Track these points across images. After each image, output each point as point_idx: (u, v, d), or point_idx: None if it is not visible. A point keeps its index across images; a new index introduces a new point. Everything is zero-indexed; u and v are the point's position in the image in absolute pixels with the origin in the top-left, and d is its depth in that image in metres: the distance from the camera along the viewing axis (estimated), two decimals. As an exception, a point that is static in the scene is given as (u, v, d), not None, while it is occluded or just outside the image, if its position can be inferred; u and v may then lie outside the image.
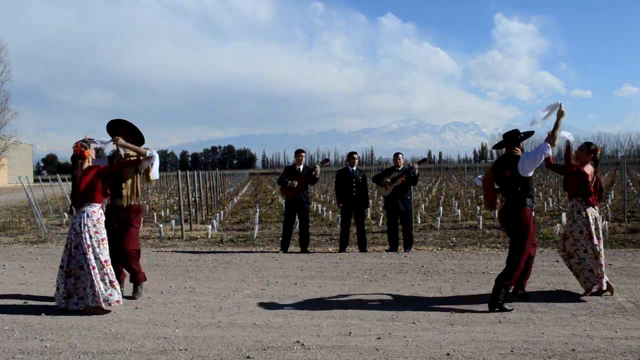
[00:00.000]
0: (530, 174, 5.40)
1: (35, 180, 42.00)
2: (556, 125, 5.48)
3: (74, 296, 5.46)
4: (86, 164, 5.58)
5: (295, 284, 6.77)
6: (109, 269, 5.42)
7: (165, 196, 27.66)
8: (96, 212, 5.51)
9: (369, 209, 12.95)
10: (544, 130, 5.70)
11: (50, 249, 10.23)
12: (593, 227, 5.78)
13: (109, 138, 5.84)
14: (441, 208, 16.46)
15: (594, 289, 5.82)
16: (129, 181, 6.01)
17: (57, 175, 20.68)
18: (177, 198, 18.72)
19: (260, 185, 40.48)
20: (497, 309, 5.26)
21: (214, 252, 9.52)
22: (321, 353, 4.23)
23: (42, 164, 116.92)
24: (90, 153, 5.65)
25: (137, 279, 6.08)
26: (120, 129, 6.04)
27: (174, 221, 13.41)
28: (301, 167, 9.52)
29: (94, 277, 5.29)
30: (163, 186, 38.13)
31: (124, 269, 6.10)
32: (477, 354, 4.15)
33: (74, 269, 5.42)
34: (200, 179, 18.03)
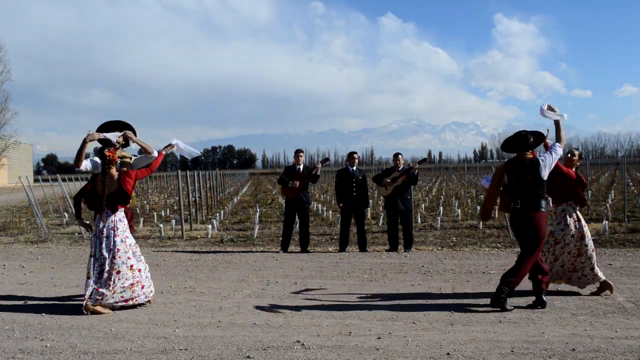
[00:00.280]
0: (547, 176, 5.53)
1: (35, 180, 42.01)
2: (559, 128, 5.71)
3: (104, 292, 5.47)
4: (114, 169, 5.59)
5: (296, 283, 6.77)
6: (136, 273, 5.51)
7: (165, 196, 27.66)
8: (124, 217, 5.63)
9: (369, 209, 12.94)
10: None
11: (50, 249, 10.23)
12: (586, 229, 5.96)
13: (119, 134, 5.88)
14: (441, 208, 16.46)
15: (594, 287, 5.88)
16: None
17: (57, 175, 20.69)
18: (177, 198, 18.72)
19: (260, 185, 40.48)
20: (498, 308, 5.26)
21: (214, 252, 9.52)
22: (321, 353, 4.23)
23: (42, 164, 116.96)
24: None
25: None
26: (116, 129, 6.06)
27: (174, 221, 13.42)
28: (301, 166, 9.52)
29: (118, 280, 5.40)
30: (163, 186, 38.16)
31: None
32: (477, 354, 4.15)
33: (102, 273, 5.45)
34: (200, 179, 18.04)
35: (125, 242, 5.52)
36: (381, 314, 5.28)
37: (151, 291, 5.69)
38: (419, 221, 13.72)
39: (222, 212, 17.09)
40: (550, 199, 6.54)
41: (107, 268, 5.40)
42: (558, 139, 5.72)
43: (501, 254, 8.74)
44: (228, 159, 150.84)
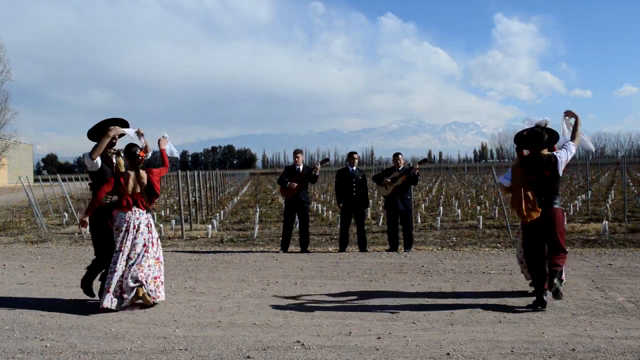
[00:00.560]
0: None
1: (35, 180, 42.03)
2: (576, 127, 5.78)
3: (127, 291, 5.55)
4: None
5: (295, 283, 6.77)
6: (161, 267, 5.80)
7: (165, 196, 27.66)
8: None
9: (369, 208, 12.95)
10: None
11: (50, 249, 10.23)
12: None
13: (133, 130, 6.03)
14: (441, 208, 16.47)
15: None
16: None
17: (58, 175, 20.69)
18: (177, 198, 18.72)
19: (260, 185, 40.48)
20: (556, 290, 5.27)
21: (214, 252, 9.52)
22: (321, 353, 4.23)
23: (42, 164, 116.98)
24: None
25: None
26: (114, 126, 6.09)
27: (174, 221, 13.42)
28: (301, 166, 9.52)
29: (150, 271, 5.63)
30: (163, 186, 38.17)
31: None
32: (477, 354, 4.15)
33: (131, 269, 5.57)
34: (200, 179, 18.04)
35: (155, 236, 5.87)
36: (381, 314, 5.29)
37: (163, 289, 5.87)
38: (419, 221, 13.73)
39: (222, 212, 17.09)
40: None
41: (138, 261, 5.59)
42: (573, 137, 5.75)
43: (501, 254, 8.74)
44: (228, 159, 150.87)
